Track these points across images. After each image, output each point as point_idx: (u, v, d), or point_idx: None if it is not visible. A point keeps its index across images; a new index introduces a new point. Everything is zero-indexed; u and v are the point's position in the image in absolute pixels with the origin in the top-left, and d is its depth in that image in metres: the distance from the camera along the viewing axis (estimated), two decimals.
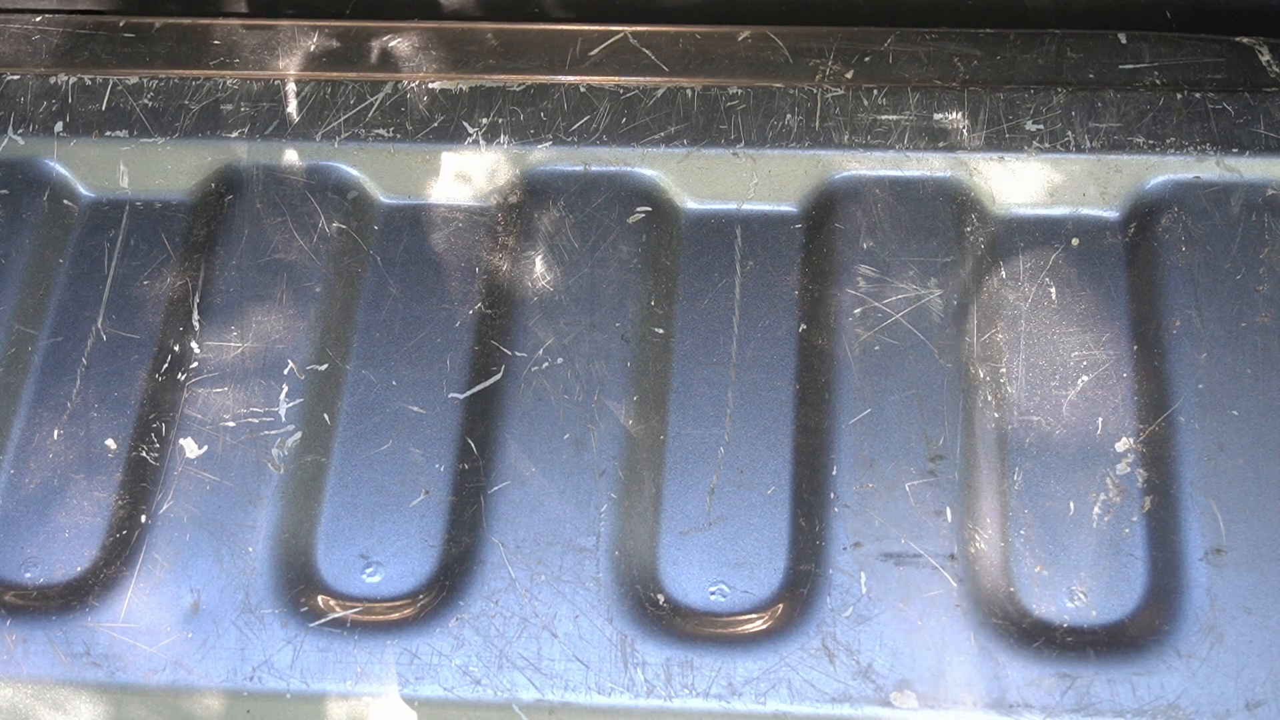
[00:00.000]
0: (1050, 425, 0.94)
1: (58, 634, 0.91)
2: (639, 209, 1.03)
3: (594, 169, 1.04)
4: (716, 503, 0.94)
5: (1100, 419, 0.94)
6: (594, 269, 1.00)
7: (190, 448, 0.96)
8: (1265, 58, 1.07)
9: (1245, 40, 1.08)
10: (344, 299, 1.01)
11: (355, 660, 0.90)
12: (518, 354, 0.98)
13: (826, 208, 1.02)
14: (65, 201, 1.06)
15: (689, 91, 1.06)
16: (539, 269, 1.00)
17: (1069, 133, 1.02)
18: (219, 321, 1.00)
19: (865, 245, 1.00)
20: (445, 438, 0.96)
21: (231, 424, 0.96)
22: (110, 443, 0.97)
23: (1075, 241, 1.01)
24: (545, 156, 1.04)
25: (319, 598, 0.92)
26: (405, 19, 1.13)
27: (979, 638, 0.88)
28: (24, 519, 0.95)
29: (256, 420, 0.96)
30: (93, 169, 1.06)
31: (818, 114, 1.04)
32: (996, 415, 0.95)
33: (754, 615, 0.91)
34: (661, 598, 0.91)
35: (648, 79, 1.07)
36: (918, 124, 1.03)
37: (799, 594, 0.90)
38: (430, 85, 1.07)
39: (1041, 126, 1.03)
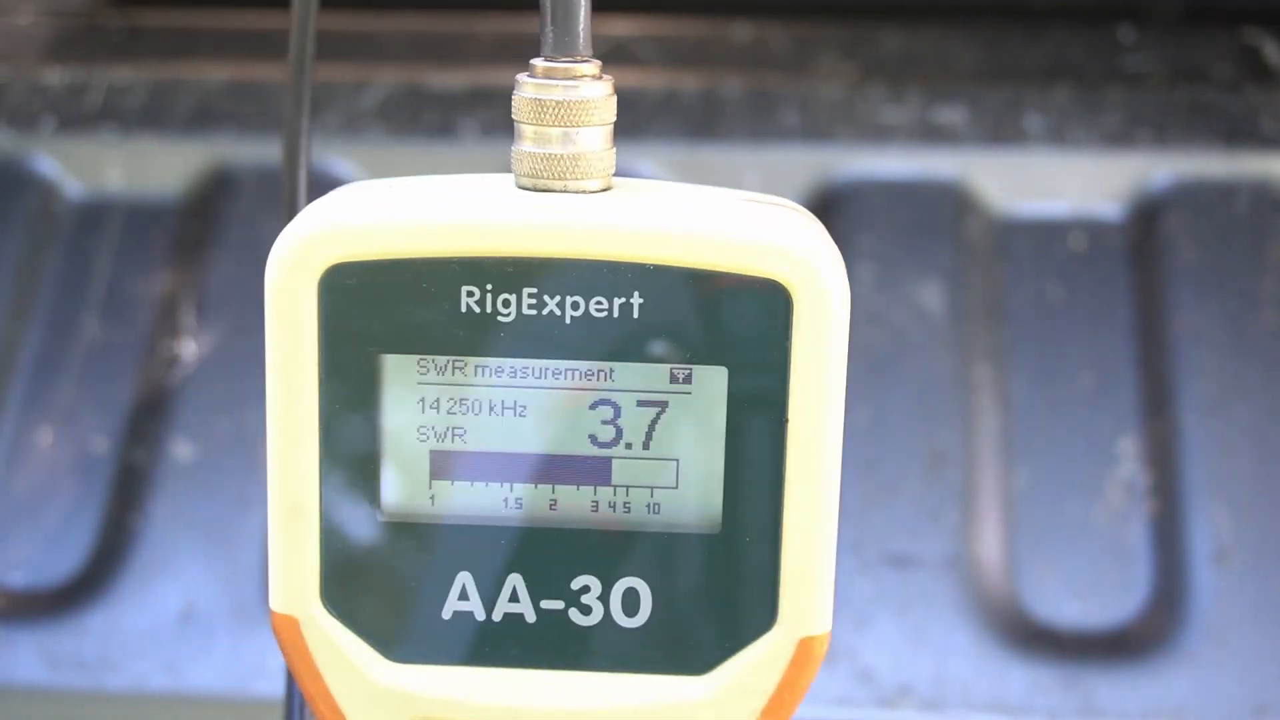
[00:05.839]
0: (1051, 425, 0.94)
1: (47, 638, 0.90)
2: None
3: None
4: None
5: (1102, 419, 0.94)
6: None
7: (182, 450, 0.95)
8: (1270, 53, 1.07)
9: (1250, 35, 1.08)
10: None
11: None
12: None
13: (826, 208, 1.02)
14: (56, 200, 1.05)
15: (689, 91, 1.06)
16: None
17: (1071, 130, 1.02)
18: (211, 322, 0.99)
19: (865, 245, 1.00)
20: None
21: (223, 426, 0.96)
22: (101, 444, 0.96)
23: (1077, 239, 1.00)
24: None
25: None
26: (402, 17, 1.13)
27: (980, 641, 0.88)
28: (13, 521, 0.94)
29: (249, 422, 0.96)
30: (83, 167, 1.05)
31: (817, 113, 1.04)
32: (997, 415, 0.94)
33: None
34: None
35: (648, 78, 1.07)
36: (918, 123, 1.03)
37: None
38: (428, 84, 1.07)
39: (1043, 124, 1.03)
